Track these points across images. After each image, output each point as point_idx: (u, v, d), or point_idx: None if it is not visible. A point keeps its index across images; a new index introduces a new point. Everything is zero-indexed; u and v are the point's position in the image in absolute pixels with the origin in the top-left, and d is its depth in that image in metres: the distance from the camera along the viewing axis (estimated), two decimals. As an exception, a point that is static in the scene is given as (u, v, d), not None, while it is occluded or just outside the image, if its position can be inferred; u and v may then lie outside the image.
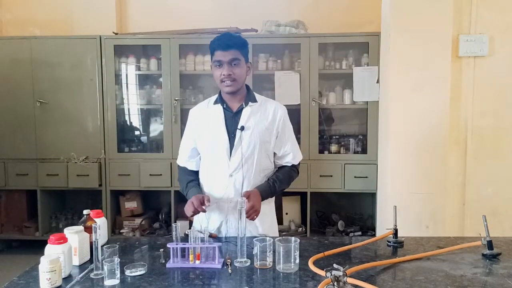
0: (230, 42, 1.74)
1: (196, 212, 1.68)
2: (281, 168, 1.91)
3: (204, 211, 1.69)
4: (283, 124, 1.85)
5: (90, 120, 3.63)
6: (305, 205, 3.58)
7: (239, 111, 1.81)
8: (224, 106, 1.83)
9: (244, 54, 1.78)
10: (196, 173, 1.93)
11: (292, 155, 1.89)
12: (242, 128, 1.77)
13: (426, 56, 2.84)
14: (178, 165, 1.98)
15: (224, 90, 1.79)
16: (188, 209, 1.70)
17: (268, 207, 1.88)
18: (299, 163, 1.95)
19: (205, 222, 1.81)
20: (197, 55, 3.63)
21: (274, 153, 1.88)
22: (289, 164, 1.90)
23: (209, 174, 1.85)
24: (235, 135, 1.78)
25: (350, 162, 3.50)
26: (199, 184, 1.88)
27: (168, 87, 3.57)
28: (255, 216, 1.71)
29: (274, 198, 1.94)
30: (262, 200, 1.76)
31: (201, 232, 1.48)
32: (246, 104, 1.82)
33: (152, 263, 1.48)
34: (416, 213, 2.89)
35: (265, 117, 1.82)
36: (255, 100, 1.85)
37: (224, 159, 1.78)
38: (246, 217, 1.61)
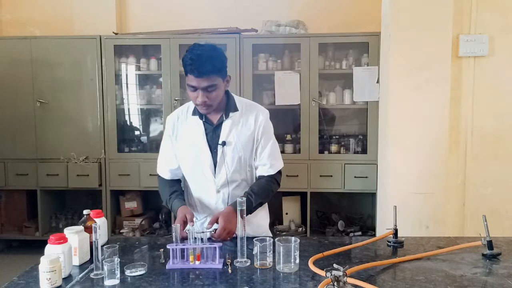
0: (204, 69, 1.53)
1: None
2: (258, 179, 1.79)
3: (185, 235, 1.53)
4: (263, 130, 1.74)
5: (90, 120, 3.63)
6: (305, 205, 3.58)
7: (220, 123, 1.72)
8: (204, 119, 1.72)
9: (222, 75, 1.61)
10: (178, 181, 1.86)
11: (268, 165, 1.76)
12: (224, 143, 1.69)
13: (426, 56, 2.84)
14: (158, 176, 1.87)
15: (200, 111, 1.68)
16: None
17: (263, 214, 1.86)
18: (279, 172, 1.82)
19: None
20: (197, 55, 3.62)
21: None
22: (265, 174, 1.78)
23: (196, 191, 1.80)
24: (217, 150, 1.71)
25: (350, 162, 3.51)
26: (182, 193, 1.81)
27: (168, 87, 3.57)
28: (228, 238, 1.60)
29: (267, 208, 1.88)
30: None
31: (202, 232, 1.48)
32: (227, 116, 1.71)
33: (152, 263, 1.48)
34: (416, 213, 2.89)
35: (247, 127, 1.73)
36: (236, 109, 1.73)
37: (209, 176, 1.73)
38: (217, 238, 1.57)
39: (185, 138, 1.76)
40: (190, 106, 1.78)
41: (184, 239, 1.53)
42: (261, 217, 1.86)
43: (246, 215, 1.52)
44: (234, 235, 1.62)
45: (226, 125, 1.71)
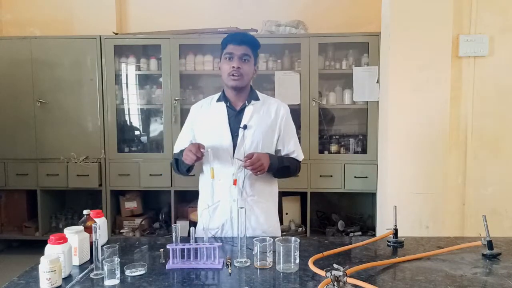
0: (244, 38, 1.79)
1: (197, 156, 1.67)
2: None
3: (201, 155, 1.69)
4: (286, 122, 1.87)
5: (90, 120, 3.63)
6: (305, 205, 3.58)
7: (242, 109, 1.83)
8: (228, 104, 1.84)
9: (254, 54, 1.81)
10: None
11: (296, 153, 1.89)
12: (245, 127, 1.78)
13: (426, 56, 2.84)
14: (174, 153, 1.95)
15: (230, 84, 1.79)
16: (187, 156, 1.70)
17: (272, 205, 1.90)
18: (300, 162, 1.95)
19: (207, 221, 1.81)
20: (197, 55, 3.63)
21: (278, 151, 1.87)
22: None
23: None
24: (238, 134, 1.79)
25: (350, 162, 3.50)
26: None
27: (168, 87, 3.57)
28: (259, 170, 1.68)
29: (277, 199, 1.93)
30: (269, 168, 1.73)
31: (240, 160, 1.67)
32: (249, 103, 1.83)
33: (152, 263, 1.48)
34: (416, 213, 2.89)
35: (268, 115, 1.84)
36: (257, 99, 1.86)
37: (228, 158, 1.79)
38: (250, 165, 1.65)
39: (208, 122, 1.85)
40: (215, 96, 1.91)
41: (198, 159, 1.69)
42: (270, 216, 1.88)
43: (271, 170, 1.74)
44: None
45: (248, 110, 1.82)
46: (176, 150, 1.94)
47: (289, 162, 1.85)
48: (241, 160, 1.72)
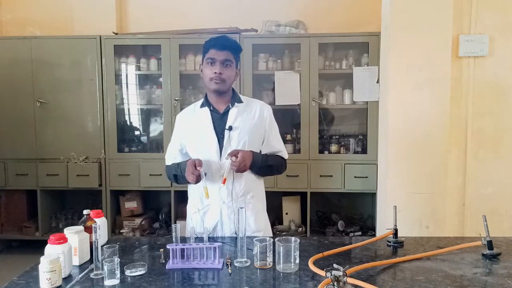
0: (226, 43, 1.79)
1: (197, 176, 1.69)
2: None
3: (199, 173, 1.70)
4: (270, 122, 1.88)
5: (90, 120, 3.63)
6: (305, 205, 3.58)
7: (226, 112, 1.83)
8: (211, 108, 1.84)
9: (236, 59, 1.82)
10: None
11: (282, 151, 1.92)
12: (230, 128, 1.79)
13: (426, 56, 2.84)
14: (166, 165, 1.96)
15: (212, 87, 1.79)
16: (189, 177, 1.71)
17: (261, 205, 1.90)
18: (285, 161, 1.97)
19: (200, 223, 1.81)
20: (197, 55, 3.63)
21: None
22: None
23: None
24: (223, 136, 1.79)
25: (350, 162, 3.50)
26: None
27: (168, 87, 3.57)
28: (242, 170, 1.72)
29: (265, 199, 1.93)
30: (252, 166, 1.76)
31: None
32: (233, 105, 1.84)
33: (152, 263, 1.49)
34: (416, 213, 2.89)
35: (252, 116, 1.85)
36: (240, 101, 1.87)
37: (215, 160, 1.79)
38: (235, 166, 1.68)
39: (193, 129, 1.86)
40: (197, 103, 1.92)
41: (197, 177, 1.69)
42: (260, 217, 1.87)
43: (254, 168, 1.77)
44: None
45: (232, 112, 1.83)
46: (168, 161, 1.94)
47: (274, 160, 1.87)
48: (229, 158, 1.73)
